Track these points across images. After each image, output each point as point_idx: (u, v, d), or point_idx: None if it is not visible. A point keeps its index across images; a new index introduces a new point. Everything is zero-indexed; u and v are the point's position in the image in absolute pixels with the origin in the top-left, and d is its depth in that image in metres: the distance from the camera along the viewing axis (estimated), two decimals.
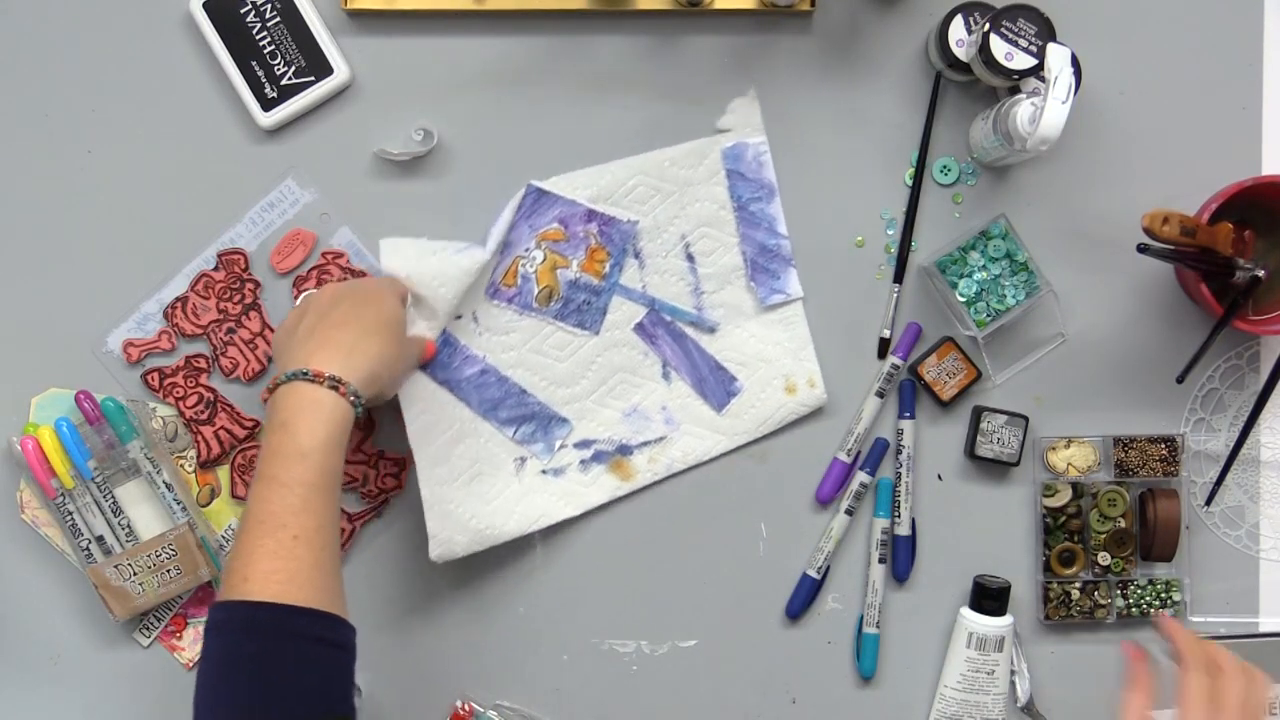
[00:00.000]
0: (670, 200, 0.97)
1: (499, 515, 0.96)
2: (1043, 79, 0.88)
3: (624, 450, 0.98)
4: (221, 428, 0.97)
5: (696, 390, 0.98)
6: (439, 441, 0.95)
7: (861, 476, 0.98)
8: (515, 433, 0.97)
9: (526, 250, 0.96)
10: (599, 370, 0.98)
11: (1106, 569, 0.98)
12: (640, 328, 0.98)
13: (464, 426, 0.96)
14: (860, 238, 0.98)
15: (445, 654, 0.99)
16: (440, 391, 0.96)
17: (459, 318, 0.96)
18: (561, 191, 0.96)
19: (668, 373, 0.98)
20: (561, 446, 0.98)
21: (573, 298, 0.96)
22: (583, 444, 0.98)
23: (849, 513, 0.98)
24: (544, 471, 0.98)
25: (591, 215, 0.96)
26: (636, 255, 0.97)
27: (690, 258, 0.97)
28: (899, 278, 0.98)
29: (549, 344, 0.97)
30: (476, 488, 0.96)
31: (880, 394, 0.98)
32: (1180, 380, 0.92)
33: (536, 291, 0.96)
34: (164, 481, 0.95)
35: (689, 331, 0.98)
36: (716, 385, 0.98)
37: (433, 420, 0.95)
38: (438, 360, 0.95)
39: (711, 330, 0.98)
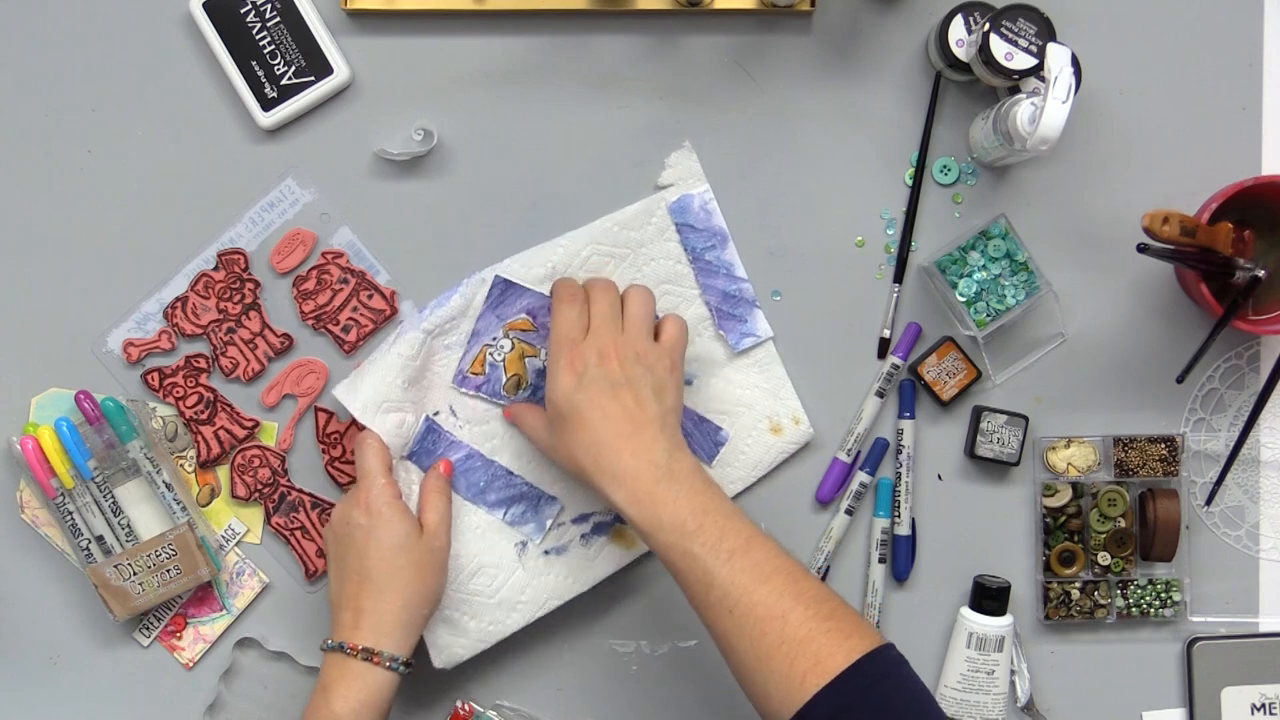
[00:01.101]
0: (625, 264, 0.96)
1: (502, 609, 0.96)
2: (1043, 79, 0.88)
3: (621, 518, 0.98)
4: (221, 427, 0.97)
5: None
6: None
7: (861, 476, 0.98)
8: (505, 514, 0.96)
9: (494, 339, 0.95)
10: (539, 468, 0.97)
11: (1106, 569, 0.98)
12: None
13: (458, 523, 0.95)
14: (860, 238, 0.98)
15: None
16: None
17: (436, 413, 0.96)
18: (518, 275, 0.94)
19: None
20: (553, 525, 0.97)
21: (541, 385, 0.95)
22: (580, 519, 0.97)
23: (849, 513, 0.98)
24: (546, 552, 0.97)
25: None
26: None
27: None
28: (899, 278, 0.98)
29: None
30: (478, 584, 0.95)
31: (880, 394, 0.98)
32: (1180, 380, 0.92)
33: (504, 379, 0.95)
34: (164, 481, 0.95)
35: None
36: (703, 438, 0.97)
37: None
38: (423, 448, 0.95)
39: (689, 383, 0.97)
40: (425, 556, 0.89)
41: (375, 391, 0.92)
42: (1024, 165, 0.98)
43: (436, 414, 0.95)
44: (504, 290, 0.95)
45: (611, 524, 0.97)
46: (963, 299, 0.95)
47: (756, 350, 0.98)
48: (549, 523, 0.96)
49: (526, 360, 0.96)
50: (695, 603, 0.81)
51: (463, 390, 0.95)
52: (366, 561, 0.88)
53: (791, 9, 0.96)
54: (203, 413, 0.97)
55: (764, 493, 0.99)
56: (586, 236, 0.96)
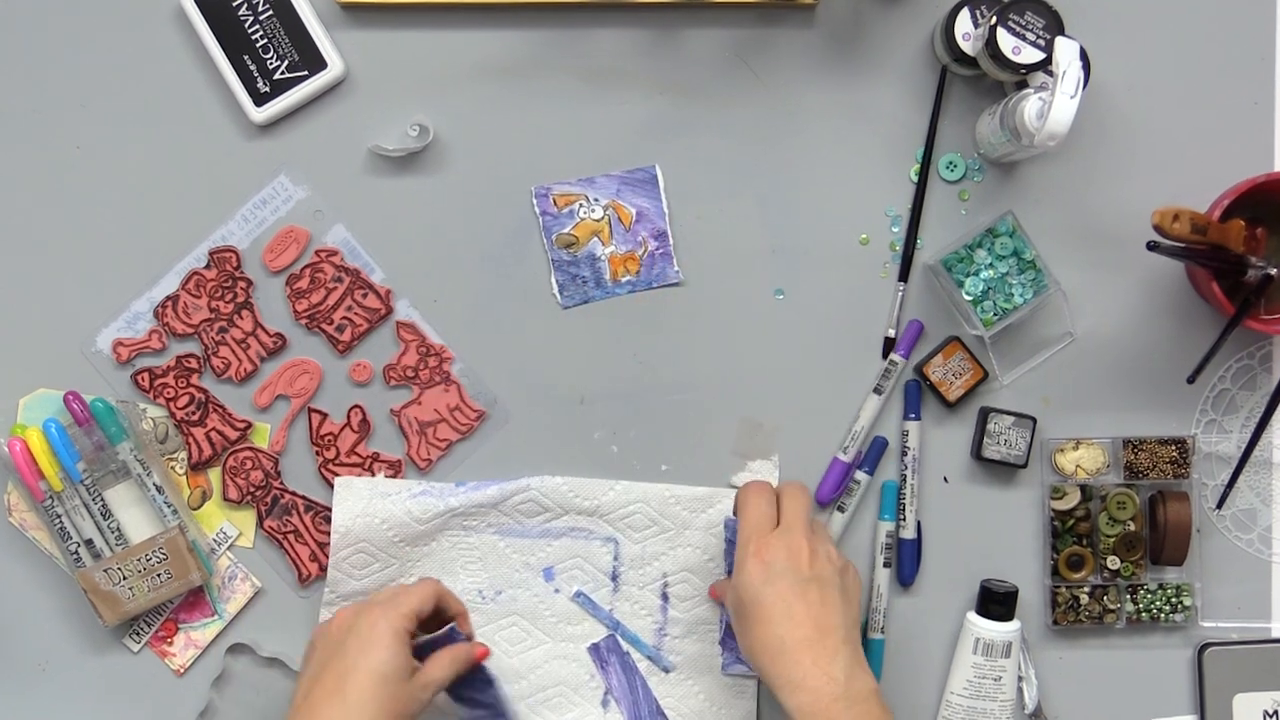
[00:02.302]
0: (664, 536, 0.96)
1: None
2: (1051, 74, 0.87)
3: None
4: (213, 429, 0.96)
5: None
6: None
7: (860, 476, 0.97)
8: (467, 716, 0.95)
9: (597, 199, 0.95)
10: (541, 677, 0.96)
11: (1116, 573, 0.97)
12: (595, 649, 0.96)
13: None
14: (865, 235, 0.97)
15: None
16: None
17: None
18: (557, 493, 0.95)
19: (607, 701, 0.96)
20: None
21: (582, 267, 0.95)
22: None
23: (840, 509, 0.97)
24: None
25: None
26: (614, 578, 0.96)
27: (665, 597, 0.96)
28: (904, 276, 0.97)
29: (503, 635, 0.96)
30: None
31: (878, 390, 0.96)
32: (1191, 381, 0.91)
33: (567, 230, 0.95)
34: (154, 484, 0.94)
35: (642, 667, 0.96)
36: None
37: None
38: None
39: (665, 671, 0.96)
40: (412, 693, 0.86)
41: (365, 529, 0.93)
42: (1031, 161, 0.97)
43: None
44: (642, 181, 0.95)
45: None
46: (969, 298, 0.94)
47: (742, 680, 0.96)
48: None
49: (595, 238, 0.95)
50: None
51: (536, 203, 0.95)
52: (349, 665, 0.84)
53: (795, 2, 0.95)
54: (194, 414, 0.96)
55: None
56: (639, 493, 0.96)
